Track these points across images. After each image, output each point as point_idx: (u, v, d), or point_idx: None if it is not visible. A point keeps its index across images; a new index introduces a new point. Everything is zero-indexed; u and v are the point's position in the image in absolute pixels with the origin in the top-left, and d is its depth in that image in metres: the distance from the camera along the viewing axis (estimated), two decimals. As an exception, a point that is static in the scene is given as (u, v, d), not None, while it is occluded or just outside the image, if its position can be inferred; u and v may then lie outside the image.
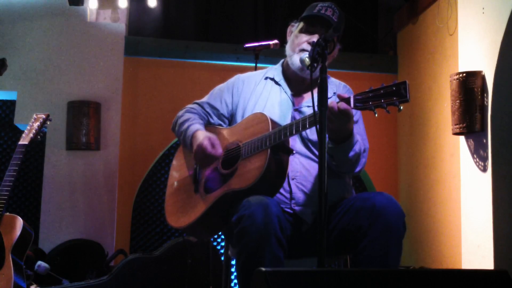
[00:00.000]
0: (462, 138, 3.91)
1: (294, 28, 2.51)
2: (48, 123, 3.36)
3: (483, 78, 3.72)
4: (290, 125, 2.16)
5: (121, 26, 4.88)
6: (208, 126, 2.55)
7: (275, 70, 2.58)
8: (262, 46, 3.40)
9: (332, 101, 2.06)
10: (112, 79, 4.76)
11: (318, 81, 1.96)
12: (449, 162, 4.41)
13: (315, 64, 2.00)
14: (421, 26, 4.96)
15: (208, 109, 2.57)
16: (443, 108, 4.44)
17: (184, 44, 5.13)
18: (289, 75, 2.53)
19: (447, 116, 4.17)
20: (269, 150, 2.17)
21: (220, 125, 2.55)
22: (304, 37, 2.42)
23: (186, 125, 2.49)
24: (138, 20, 5.30)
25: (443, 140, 4.51)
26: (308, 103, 2.42)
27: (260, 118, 2.30)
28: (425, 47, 4.88)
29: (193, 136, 2.41)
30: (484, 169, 3.66)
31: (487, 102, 3.68)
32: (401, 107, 1.89)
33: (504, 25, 3.54)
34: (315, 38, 2.37)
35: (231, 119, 2.56)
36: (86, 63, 4.72)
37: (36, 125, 3.27)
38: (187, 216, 2.37)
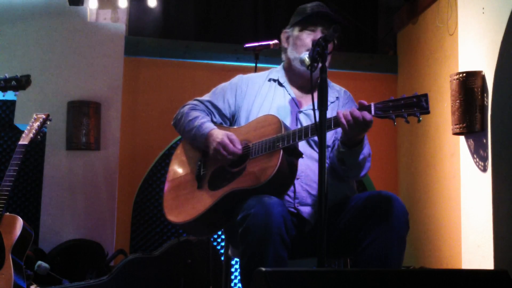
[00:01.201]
0: (462, 138, 3.90)
1: (289, 33, 2.50)
2: (48, 123, 3.36)
3: (483, 78, 3.72)
4: (305, 128, 2.15)
5: (121, 26, 4.88)
6: (215, 124, 2.53)
7: (278, 72, 2.57)
8: (262, 46, 3.39)
9: (354, 109, 2.06)
10: (112, 79, 4.76)
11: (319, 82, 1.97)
12: (449, 162, 4.41)
13: (315, 64, 2.00)
14: (421, 26, 4.96)
15: (211, 108, 2.55)
16: (443, 108, 4.44)
17: (184, 44, 5.13)
18: (291, 77, 2.53)
19: (447, 116, 4.17)
20: (281, 151, 2.17)
21: (221, 124, 2.54)
22: (308, 37, 2.41)
23: (197, 122, 2.46)
24: (138, 20, 5.30)
25: (443, 140, 4.51)
26: (310, 106, 2.41)
27: (271, 120, 2.29)
28: (425, 47, 4.88)
29: (209, 134, 2.38)
30: (484, 169, 3.66)
31: (487, 102, 3.68)
32: (421, 118, 1.95)
33: (504, 25, 3.54)
34: (319, 34, 2.37)
35: (232, 120, 2.55)
36: (86, 63, 4.72)
37: (36, 125, 3.27)
38: (189, 212, 2.34)
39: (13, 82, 2.83)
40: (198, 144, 2.45)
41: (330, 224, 2.21)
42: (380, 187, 5.22)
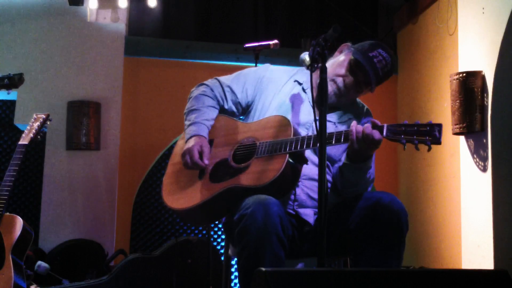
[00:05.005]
0: (462, 138, 3.90)
1: (345, 51, 2.44)
2: (48, 123, 3.35)
3: (483, 78, 3.72)
4: (315, 137, 2.11)
5: (121, 26, 4.88)
6: (223, 115, 2.48)
7: (305, 75, 2.47)
8: (262, 46, 3.40)
9: (368, 125, 2.05)
10: (112, 79, 4.76)
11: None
12: (449, 162, 4.41)
13: (316, 64, 2.00)
14: (421, 26, 4.96)
15: (228, 93, 2.49)
16: (443, 108, 4.44)
17: (184, 44, 5.13)
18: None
19: (447, 116, 4.17)
20: (287, 156, 2.16)
21: (232, 112, 2.49)
22: (345, 73, 2.37)
23: (192, 117, 2.43)
24: (138, 20, 5.29)
25: (443, 140, 4.48)
26: (330, 117, 2.36)
27: (282, 122, 2.26)
28: (425, 47, 4.88)
29: (188, 140, 2.37)
30: (484, 169, 3.66)
31: (487, 102, 3.68)
32: (431, 147, 1.94)
33: (504, 25, 3.54)
34: (349, 79, 2.35)
35: (246, 110, 2.50)
36: (86, 63, 4.72)
37: (36, 125, 3.27)
38: (188, 200, 2.33)
39: (6, 81, 2.83)
40: None
41: (330, 224, 2.21)
42: (380, 187, 5.22)
